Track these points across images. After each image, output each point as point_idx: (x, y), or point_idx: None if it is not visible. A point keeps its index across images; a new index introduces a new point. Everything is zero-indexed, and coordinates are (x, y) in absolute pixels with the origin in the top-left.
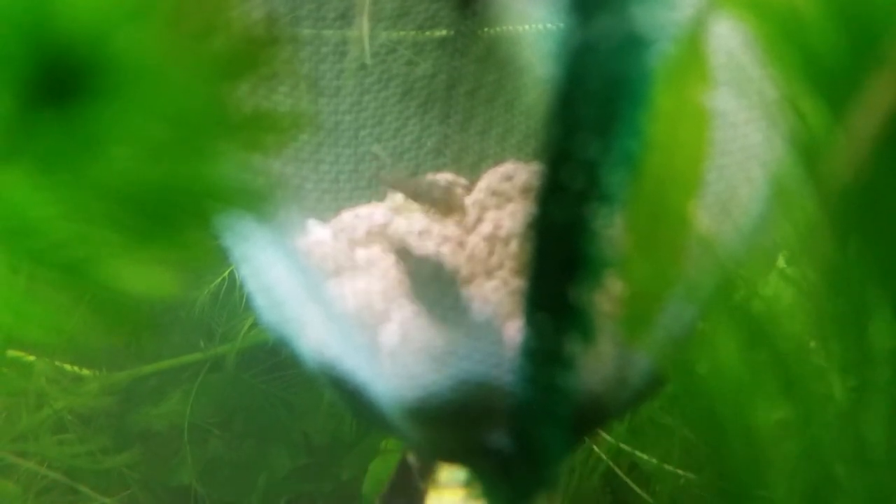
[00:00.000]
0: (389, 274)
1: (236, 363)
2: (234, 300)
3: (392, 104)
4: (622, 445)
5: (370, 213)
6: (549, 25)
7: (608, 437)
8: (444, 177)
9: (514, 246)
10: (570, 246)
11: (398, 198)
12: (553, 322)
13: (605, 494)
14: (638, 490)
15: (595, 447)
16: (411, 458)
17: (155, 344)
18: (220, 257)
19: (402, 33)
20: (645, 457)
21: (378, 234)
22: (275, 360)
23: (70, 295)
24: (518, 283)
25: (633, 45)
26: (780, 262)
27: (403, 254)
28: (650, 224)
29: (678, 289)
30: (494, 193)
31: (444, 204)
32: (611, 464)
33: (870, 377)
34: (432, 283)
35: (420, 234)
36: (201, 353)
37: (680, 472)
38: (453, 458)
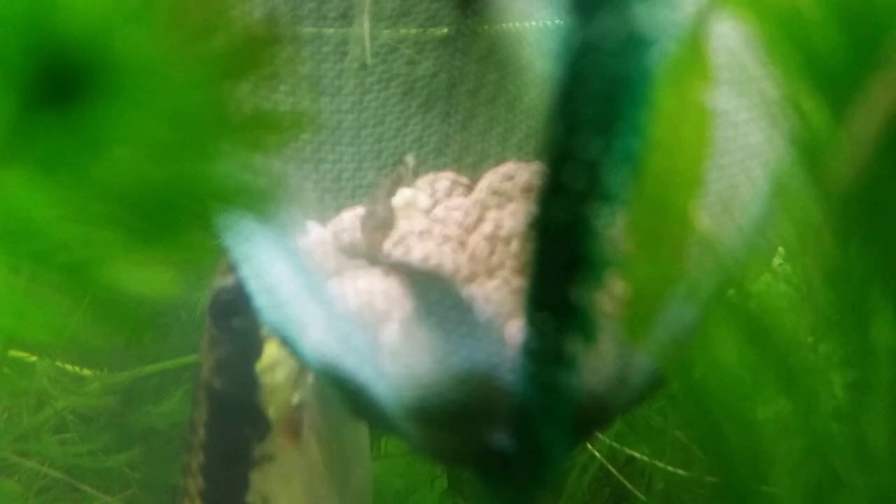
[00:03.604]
0: (391, 273)
1: None
2: None
3: (393, 103)
4: (614, 444)
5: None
6: (550, 24)
7: (603, 437)
8: (446, 175)
9: (515, 245)
10: (571, 245)
11: (398, 198)
12: (554, 321)
13: (601, 489)
14: (632, 488)
15: (589, 445)
16: None
17: (156, 344)
18: (221, 257)
19: (403, 32)
20: (638, 455)
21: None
22: None
23: (71, 296)
24: (519, 283)
25: (635, 44)
26: (781, 260)
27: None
28: (651, 223)
29: (680, 288)
30: (495, 193)
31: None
32: (604, 461)
33: (871, 376)
34: (431, 287)
35: (420, 233)
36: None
37: (676, 470)
38: (455, 458)
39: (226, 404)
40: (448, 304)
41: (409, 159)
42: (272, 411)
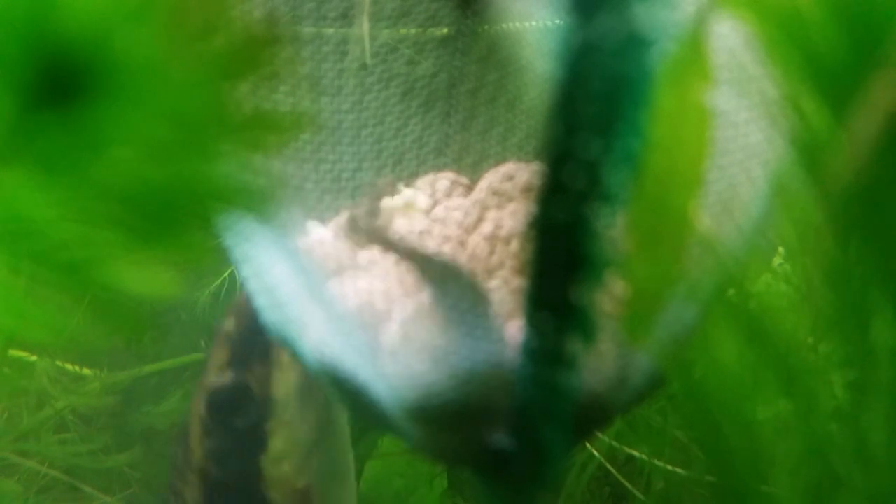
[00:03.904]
0: (391, 273)
1: None
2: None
3: (393, 103)
4: (614, 443)
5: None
6: (550, 24)
7: (602, 436)
8: (446, 175)
9: (515, 245)
10: (571, 245)
11: (400, 197)
12: (554, 321)
13: (601, 488)
14: (631, 487)
15: (588, 444)
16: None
17: (156, 344)
18: (221, 258)
19: (403, 32)
20: (637, 454)
21: (378, 237)
22: None
23: (71, 295)
24: (519, 283)
25: (635, 44)
26: (780, 260)
27: (409, 254)
28: (651, 223)
29: (680, 288)
30: (495, 193)
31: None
32: (604, 461)
33: (871, 376)
34: (440, 281)
35: (420, 233)
36: (202, 353)
37: (675, 469)
38: (455, 458)
39: (224, 489)
40: (456, 296)
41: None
42: (276, 495)
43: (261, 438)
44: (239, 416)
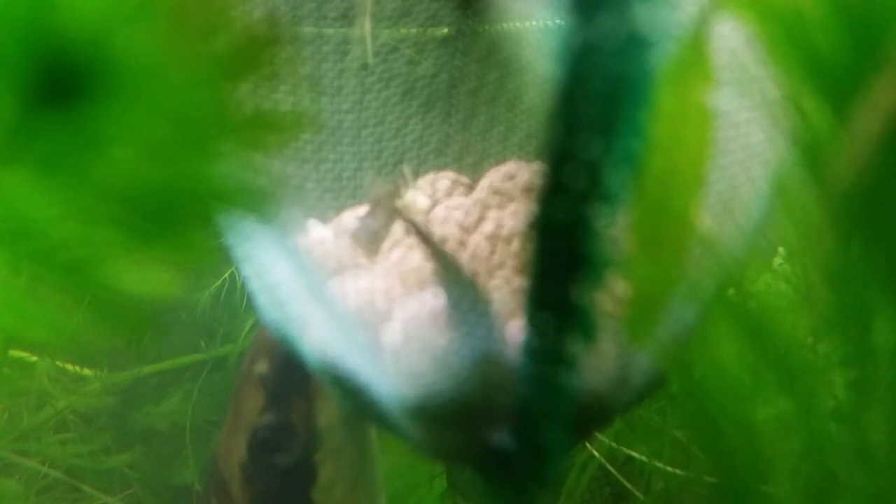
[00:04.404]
0: (392, 272)
1: (237, 363)
2: (234, 301)
3: (394, 103)
4: (613, 444)
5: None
6: (550, 24)
7: (602, 437)
8: (447, 175)
9: (515, 245)
10: (572, 245)
11: (403, 197)
12: (555, 321)
13: (601, 488)
14: (631, 487)
15: (588, 444)
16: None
17: (156, 344)
18: (221, 257)
19: (403, 32)
20: (637, 454)
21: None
22: None
23: (72, 295)
24: (520, 282)
25: (636, 44)
26: (781, 260)
27: (412, 252)
28: (652, 223)
29: (681, 288)
30: (496, 192)
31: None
32: (604, 461)
33: (871, 376)
34: (442, 280)
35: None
36: (203, 354)
37: (675, 470)
38: (455, 457)
39: None
40: (457, 296)
41: (407, 170)
42: None
43: (310, 471)
44: (283, 456)
